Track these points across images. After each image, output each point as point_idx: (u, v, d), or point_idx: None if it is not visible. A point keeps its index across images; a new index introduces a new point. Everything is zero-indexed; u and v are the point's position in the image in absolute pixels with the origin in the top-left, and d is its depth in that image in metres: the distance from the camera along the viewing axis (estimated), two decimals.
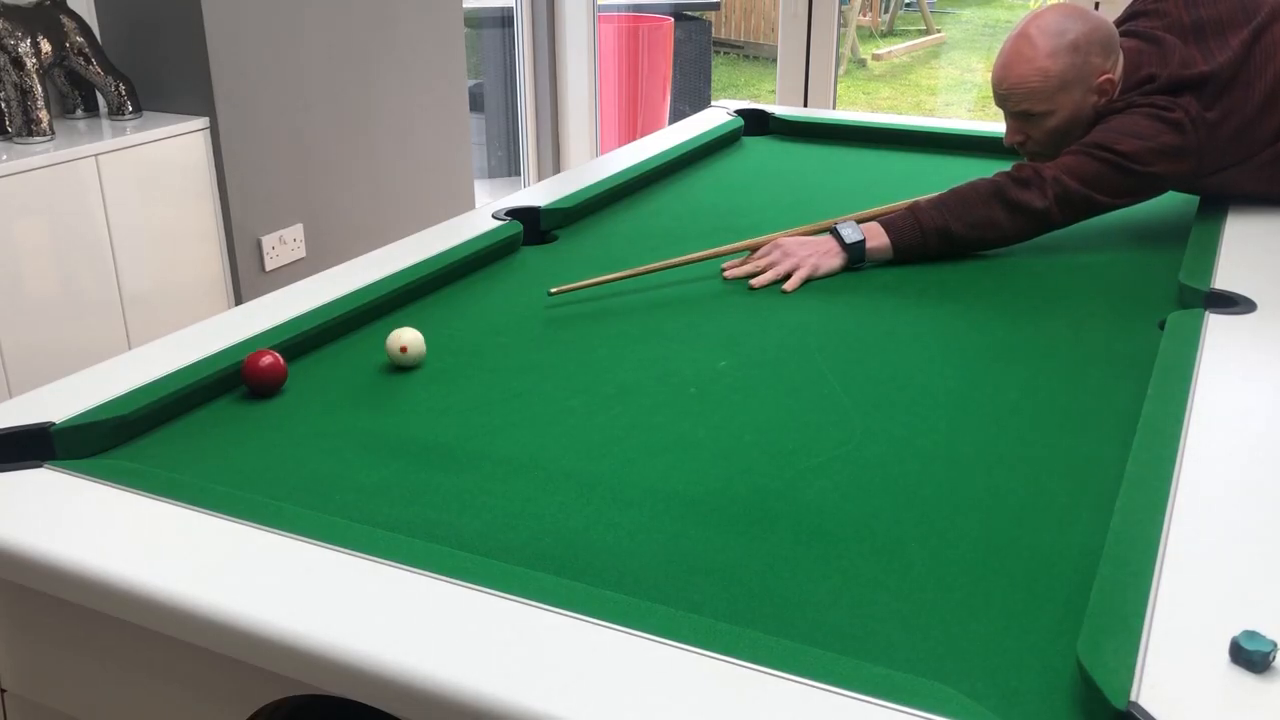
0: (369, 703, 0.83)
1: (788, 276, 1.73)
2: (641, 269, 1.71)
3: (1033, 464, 1.18)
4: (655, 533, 1.05)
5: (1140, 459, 1.10)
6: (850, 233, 1.78)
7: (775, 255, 1.76)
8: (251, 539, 0.98)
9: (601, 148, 4.72)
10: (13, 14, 2.57)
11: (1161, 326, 1.48)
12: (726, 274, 1.77)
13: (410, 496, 1.12)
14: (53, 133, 2.61)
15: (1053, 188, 1.76)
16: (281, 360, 1.35)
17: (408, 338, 1.40)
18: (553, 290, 1.66)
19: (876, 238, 1.78)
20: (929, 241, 1.78)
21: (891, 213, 1.87)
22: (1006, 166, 2.34)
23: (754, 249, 1.81)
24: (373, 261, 1.71)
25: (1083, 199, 1.76)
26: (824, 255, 1.76)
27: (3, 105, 2.57)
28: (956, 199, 1.80)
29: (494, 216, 1.92)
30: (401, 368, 1.41)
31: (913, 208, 1.81)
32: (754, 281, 1.72)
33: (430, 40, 3.54)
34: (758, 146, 2.58)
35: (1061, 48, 1.76)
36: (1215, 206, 1.92)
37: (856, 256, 1.77)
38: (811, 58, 3.94)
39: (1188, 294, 1.56)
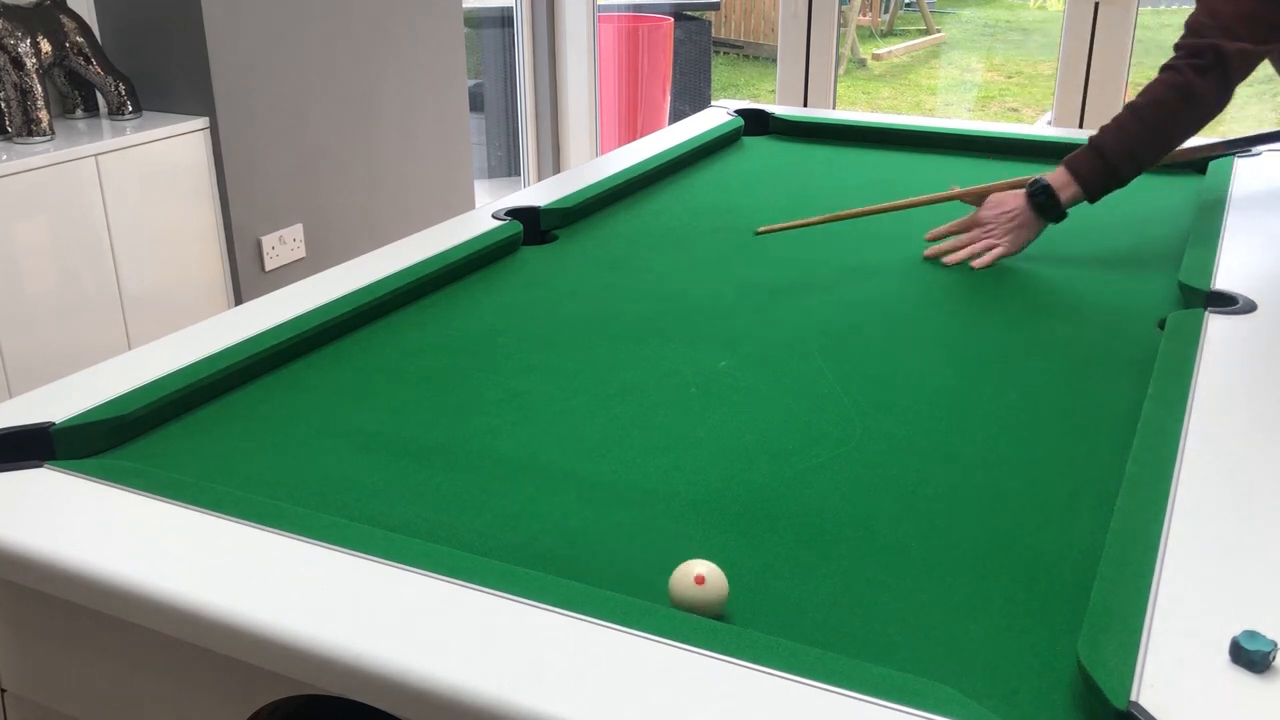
0: (369, 703, 0.83)
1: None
2: (847, 213, 1.85)
3: (1033, 464, 1.18)
4: (655, 533, 1.05)
5: (1140, 459, 1.10)
6: (1045, 198, 1.78)
7: (975, 233, 1.82)
8: (252, 539, 0.98)
9: (601, 148, 4.72)
10: (13, 14, 2.57)
11: (1161, 326, 1.48)
12: (927, 253, 1.82)
13: (410, 496, 1.12)
14: (53, 133, 2.61)
15: (1234, 60, 1.69)
16: None
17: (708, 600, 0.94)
18: (760, 230, 1.82)
19: (1066, 188, 1.77)
20: (1123, 174, 1.77)
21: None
22: (1006, 166, 2.34)
23: (973, 196, 1.87)
24: (373, 261, 1.71)
25: (1252, 57, 1.71)
26: (1019, 229, 1.79)
27: (3, 105, 2.57)
28: (1139, 122, 1.74)
29: (494, 216, 1.92)
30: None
31: (1096, 145, 1.77)
32: (948, 259, 1.80)
33: (430, 40, 3.54)
34: (758, 146, 2.58)
35: None
36: (1215, 206, 1.92)
37: (1057, 218, 1.80)
38: (811, 58, 3.94)
39: (1188, 294, 1.56)
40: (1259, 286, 1.55)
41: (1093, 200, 1.80)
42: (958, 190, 1.90)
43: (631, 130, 5.30)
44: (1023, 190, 1.82)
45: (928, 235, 1.87)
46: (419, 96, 3.53)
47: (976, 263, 1.77)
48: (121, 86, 2.78)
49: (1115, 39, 3.45)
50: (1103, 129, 1.79)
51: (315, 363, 1.45)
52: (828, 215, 1.82)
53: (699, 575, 0.94)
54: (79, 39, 2.71)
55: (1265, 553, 0.95)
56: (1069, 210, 1.80)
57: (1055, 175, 1.80)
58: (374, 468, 1.18)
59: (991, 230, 1.81)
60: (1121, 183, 1.78)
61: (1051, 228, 1.84)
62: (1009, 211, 1.81)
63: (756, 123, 2.70)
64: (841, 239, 1.92)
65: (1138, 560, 0.93)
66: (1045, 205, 1.79)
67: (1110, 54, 3.47)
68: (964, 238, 1.82)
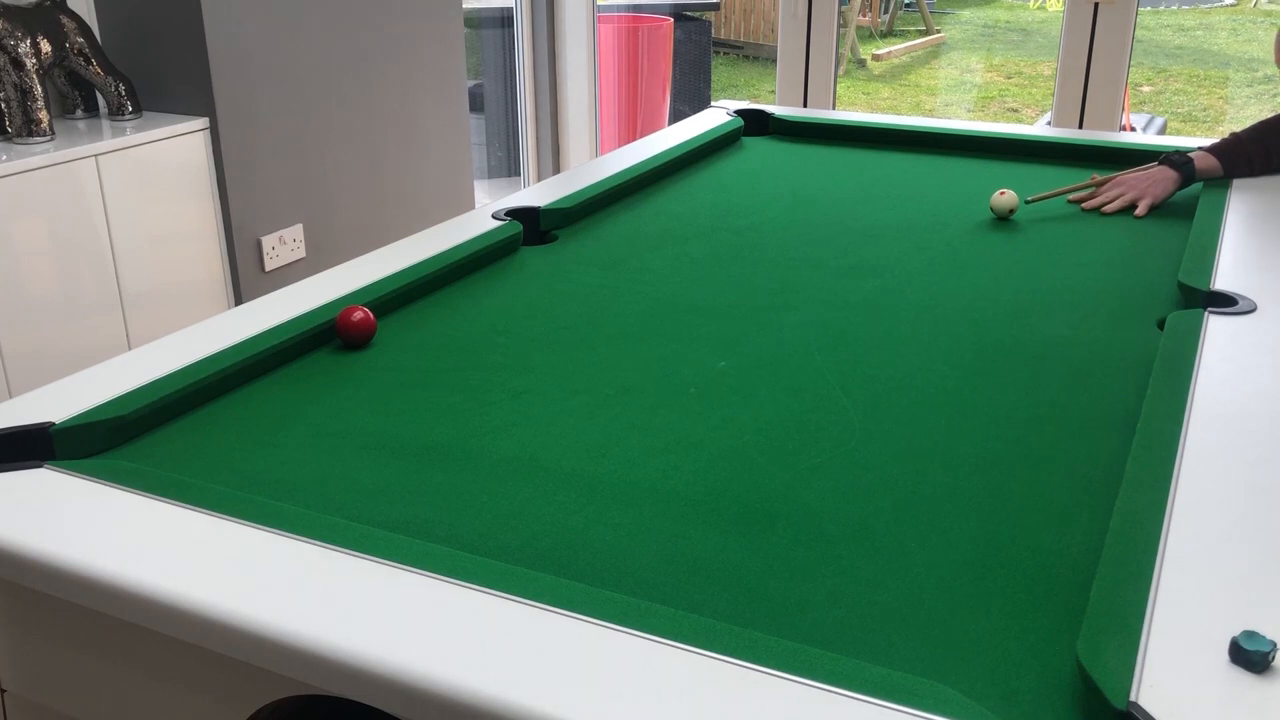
0: (368, 703, 0.83)
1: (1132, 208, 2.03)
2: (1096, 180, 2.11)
3: (1033, 464, 1.18)
4: (655, 533, 1.05)
5: (1140, 459, 1.10)
6: (1180, 158, 2.08)
7: (1120, 189, 2.06)
8: (251, 539, 0.98)
9: (601, 148, 4.72)
10: (13, 14, 2.57)
11: (1161, 326, 1.48)
12: (1084, 206, 2.06)
13: (410, 496, 1.12)
14: (53, 133, 2.61)
15: None
16: (370, 317, 1.48)
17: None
18: (1029, 199, 2.06)
19: (1204, 160, 2.07)
20: (1254, 165, 2.08)
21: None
22: (1006, 166, 2.34)
23: (1099, 184, 2.12)
24: (373, 261, 1.71)
25: None
26: (1160, 183, 2.05)
27: (3, 105, 2.57)
28: (1267, 118, 2.09)
29: (494, 216, 1.92)
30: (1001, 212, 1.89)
31: (1235, 139, 2.10)
32: (1106, 209, 2.05)
33: (430, 40, 3.54)
34: (758, 147, 2.58)
35: None
36: (1215, 206, 1.92)
37: (1189, 175, 2.07)
38: (811, 58, 3.93)
39: (1188, 294, 1.56)
40: (1259, 286, 1.55)
41: (1226, 174, 2.08)
42: (1098, 178, 2.15)
43: (631, 130, 5.30)
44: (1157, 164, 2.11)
45: (1071, 199, 2.11)
46: (419, 97, 3.53)
47: (1138, 211, 2.02)
48: (121, 86, 2.78)
49: (1115, 39, 3.45)
50: (1242, 133, 2.12)
51: (315, 363, 1.45)
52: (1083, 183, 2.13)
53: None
54: (79, 39, 2.71)
55: (1265, 553, 0.95)
56: (1201, 179, 2.08)
57: (1196, 155, 2.08)
58: (374, 468, 1.18)
59: (1135, 185, 2.06)
60: (1248, 154, 2.07)
61: (1052, 227, 1.84)
62: (1150, 172, 2.08)
63: (756, 123, 2.70)
64: (841, 239, 1.92)
65: (1138, 560, 0.93)
66: (1179, 162, 2.06)
67: (1110, 54, 3.47)
68: (1112, 192, 2.07)
